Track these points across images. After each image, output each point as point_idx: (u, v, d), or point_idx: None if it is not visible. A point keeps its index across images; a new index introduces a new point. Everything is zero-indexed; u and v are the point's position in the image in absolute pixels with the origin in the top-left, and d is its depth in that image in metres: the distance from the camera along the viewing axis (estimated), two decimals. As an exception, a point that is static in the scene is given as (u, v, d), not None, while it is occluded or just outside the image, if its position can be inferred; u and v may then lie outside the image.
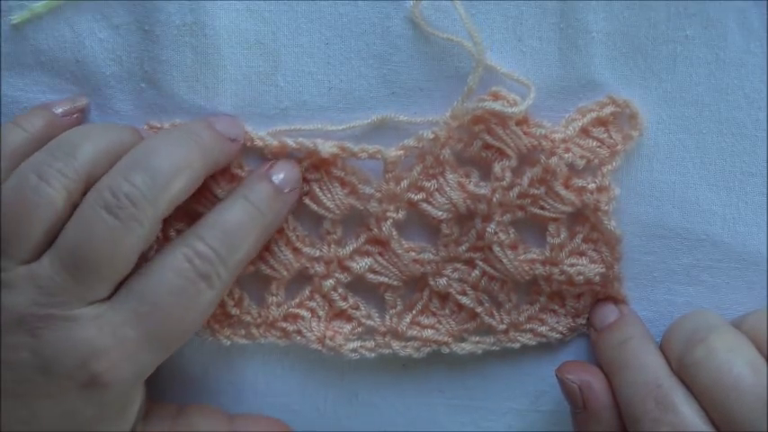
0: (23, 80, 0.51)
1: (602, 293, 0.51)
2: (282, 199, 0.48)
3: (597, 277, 0.50)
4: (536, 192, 0.49)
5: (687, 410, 0.43)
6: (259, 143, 0.49)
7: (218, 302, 0.46)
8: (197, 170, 0.45)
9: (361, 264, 0.51)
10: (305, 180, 0.50)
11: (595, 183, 0.49)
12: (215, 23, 0.49)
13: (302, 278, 0.52)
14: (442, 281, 0.51)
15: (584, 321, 0.52)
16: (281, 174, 0.48)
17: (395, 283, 0.51)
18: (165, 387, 0.54)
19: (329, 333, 0.52)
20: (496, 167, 0.48)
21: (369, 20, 0.49)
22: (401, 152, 0.48)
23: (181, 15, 0.49)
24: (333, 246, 0.51)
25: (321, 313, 0.52)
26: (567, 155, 0.48)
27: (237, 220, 0.46)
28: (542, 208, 0.49)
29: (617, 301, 0.51)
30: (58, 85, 0.51)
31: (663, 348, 0.47)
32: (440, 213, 0.49)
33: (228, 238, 0.45)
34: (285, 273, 0.51)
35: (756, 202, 0.50)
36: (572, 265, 0.50)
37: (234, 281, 0.48)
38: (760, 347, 0.43)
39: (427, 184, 0.49)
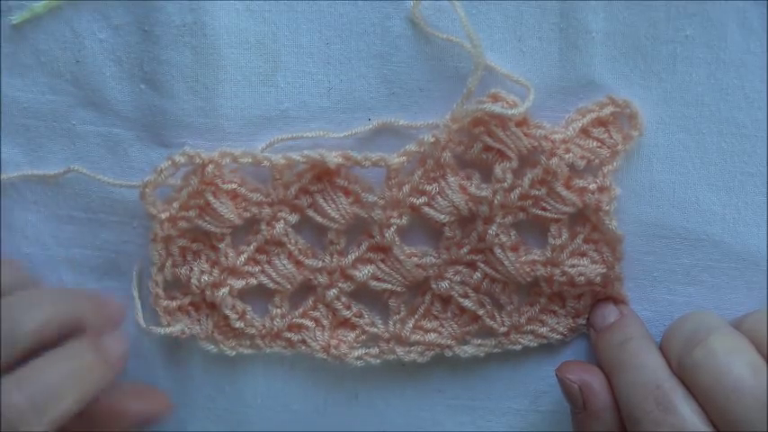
0: (23, 80, 0.51)
1: (603, 294, 0.51)
2: (108, 368, 0.47)
3: (598, 278, 0.50)
4: (537, 193, 0.49)
5: (687, 411, 0.43)
6: (266, 163, 0.49)
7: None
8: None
9: (363, 272, 0.51)
10: (308, 192, 0.50)
11: (596, 183, 0.49)
12: (215, 23, 0.49)
13: (305, 288, 0.52)
14: (444, 284, 0.51)
15: (584, 321, 0.52)
16: (112, 345, 0.48)
17: (398, 288, 0.51)
18: (164, 386, 0.54)
19: (333, 342, 0.52)
20: (497, 169, 0.48)
21: (369, 20, 0.49)
22: (404, 158, 0.48)
23: (181, 15, 0.49)
24: (336, 256, 0.51)
25: (325, 322, 0.52)
26: (567, 155, 0.48)
27: (61, 377, 0.44)
28: (544, 209, 0.49)
29: (617, 301, 0.51)
30: (58, 85, 0.51)
31: (663, 349, 0.47)
32: (442, 216, 0.49)
33: (48, 393, 0.43)
34: (288, 286, 0.51)
35: (756, 202, 0.50)
36: (573, 266, 0.50)
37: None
38: (760, 348, 0.43)
39: (429, 188, 0.49)
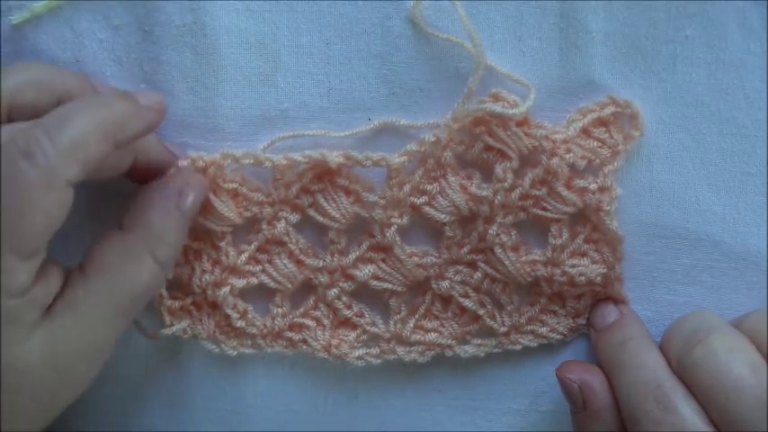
0: (23, 80, 0.51)
1: (603, 294, 0.51)
2: (142, 115, 0.44)
3: (598, 278, 0.50)
4: (538, 193, 0.49)
5: (687, 411, 0.43)
6: (268, 164, 0.49)
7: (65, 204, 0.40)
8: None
9: (364, 271, 0.51)
10: (309, 192, 0.50)
11: (597, 183, 0.49)
12: (215, 23, 0.49)
13: (306, 288, 0.52)
14: (445, 283, 0.51)
15: (584, 321, 0.52)
16: (146, 97, 0.46)
17: (399, 288, 0.51)
18: (164, 386, 0.54)
19: (335, 341, 0.52)
20: (498, 169, 0.48)
21: (369, 20, 0.49)
22: (405, 158, 0.48)
23: (181, 15, 0.49)
24: (336, 255, 0.51)
25: (326, 322, 0.52)
26: (568, 155, 0.48)
27: (77, 106, 0.42)
28: (544, 209, 0.49)
29: (617, 301, 0.51)
30: (58, 85, 0.51)
31: (663, 348, 0.47)
32: (442, 216, 0.49)
33: (60, 116, 0.41)
34: (289, 285, 0.51)
35: (756, 202, 0.50)
36: (573, 266, 0.50)
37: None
38: (760, 348, 0.43)
39: (429, 188, 0.49)
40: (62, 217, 0.40)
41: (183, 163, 0.48)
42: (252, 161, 0.49)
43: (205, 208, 0.49)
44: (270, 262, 0.51)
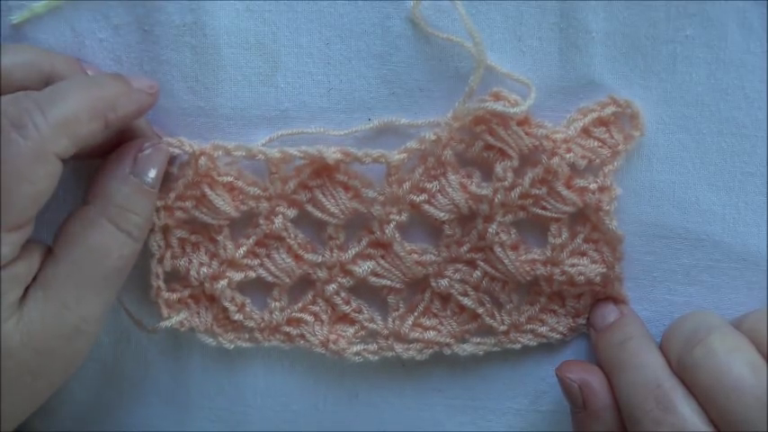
0: (23, 80, 0.51)
1: (603, 293, 0.51)
2: (126, 85, 0.45)
3: (598, 277, 0.50)
4: (538, 192, 0.49)
5: (687, 411, 0.43)
6: (261, 157, 0.49)
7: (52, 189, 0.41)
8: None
9: (363, 267, 0.51)
10: (307, 188, 0.50)
11: (597, 183, 0.49)
12: (215, 23, 0.49)
13: (305, 283, 0.52)
14: (444, 282, 0.51)
15: (584, 321, 0.52)
16: (140, 80, 0.47)
17: (397, 285, 0.51)
18: (163, 385, 0.54)
19: (332, 337, 0.52)
20: (498, 168, 0.48)
21: (369, 20, 0.49)
22: (404, 155, 0.48)
23: (181, 15, 0.49)
24: (335, 251, 0.51)
25: (324, 317, 0.52)
26: (568, 155, 0.48)
27: (69, 83, 0.43)
28: (544, 208, 0.49)
29: (617, 300, 0.51)
30: (58, 85, 0.51)
31: (663, 348, 0.47)
32: (442, 214, 0.49)
33: (53, 92, 0.42)
34: (287, 280, 0.51)
35: (756, 202, 0.50)
36: (573, 266, 0.50)
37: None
38: (760, 348, 0.43)
39: (429, 186, 0.49)
40: (50, 190, 0.41)
41: (170, 140, 0.48)
42: (244, 153, 0.49)
43: (201, 201, 0.49)
44: (268, 256, 0.51)
